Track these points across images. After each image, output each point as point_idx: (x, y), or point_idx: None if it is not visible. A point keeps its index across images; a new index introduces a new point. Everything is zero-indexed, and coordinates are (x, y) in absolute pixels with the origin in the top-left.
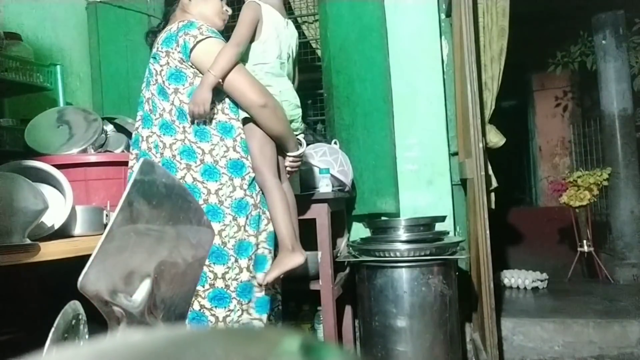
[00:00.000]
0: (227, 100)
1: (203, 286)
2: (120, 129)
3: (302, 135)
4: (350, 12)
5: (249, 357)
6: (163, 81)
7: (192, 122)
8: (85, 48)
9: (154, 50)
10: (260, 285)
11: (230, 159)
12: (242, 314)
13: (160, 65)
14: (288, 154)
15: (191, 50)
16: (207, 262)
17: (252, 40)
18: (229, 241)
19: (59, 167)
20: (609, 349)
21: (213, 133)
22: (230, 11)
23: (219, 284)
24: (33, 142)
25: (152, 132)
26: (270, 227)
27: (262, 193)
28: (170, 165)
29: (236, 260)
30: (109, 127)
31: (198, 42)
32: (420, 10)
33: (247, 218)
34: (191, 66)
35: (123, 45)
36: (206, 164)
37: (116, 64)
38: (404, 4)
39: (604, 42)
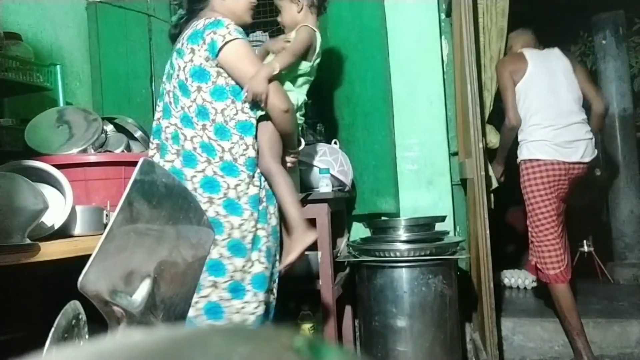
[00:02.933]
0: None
1: (223, 277)
2: (120, 129)
3: (312, 133)
4: (350, 12)
5: (250, 357)
6: (186, 77)
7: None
8: (85, 48)
9: (178, 45)
10: (280, 271)
11: (248, 157)
12: (257, 305)
13: (184, 62)
14: (290, 150)
15: (219, 49)
16: (227, 255)
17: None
18: (247, 235)
19: (59, 167)
20: (609, 349)
21: (233, 132)
22: (255, 2)
23: (237, 276)
24: (33, 142)
25: (170, 123)
26: (274, 222)
27: (268, 187)
28: (192, 157)
29: (251, 254)
30: (109, 127)
31: (227, 43)
32: (420, 10)
33: (259, 212)
34: (216, 65)
35: (123, 45)
36: (225, 161)
37: (116, 64)
38: (404, 4)
39: (604, 42)
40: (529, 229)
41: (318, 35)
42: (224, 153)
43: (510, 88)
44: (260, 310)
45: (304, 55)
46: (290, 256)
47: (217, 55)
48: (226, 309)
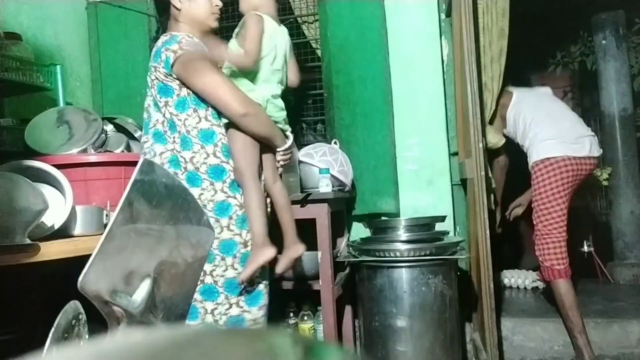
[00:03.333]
0: (210, 107)
1: None
2: (120, 129)
3: (289, 129)
4: (350, 12)
5: (249, 357)
6: (155, 94)
7: (179, 132)
8: (85, 48)
9: (150, 63)
10: (241, 282)
11: (210, 165)
12: (230, 307)
13: (151, 80)
14: (277, 149)
15: (172, 65)
16: None
17: None
18: (212, 242)
19: (59, 167)
20: (609, 349)
21: (194, 141)
22: (220, 4)
23: (208, 280)
24: (33, 142)
25: (147, 138)
26: None
27: None
28: None
29: (222, 259)
30: (109, 127)
31: (177, 58)
32: (420, 10)
33: (230, 218)
34: (176, 79)
35: (123, 45)
36: (189, 172)
37: (116, 64)
38: (404, 4)
39: (604, 42)
40: (537, 224)
41: (268, 20)
42: (187, 164)
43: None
44: (234, 312)
45: None
46: (245, 272)
47: (171, 71)
48: (200, 310)
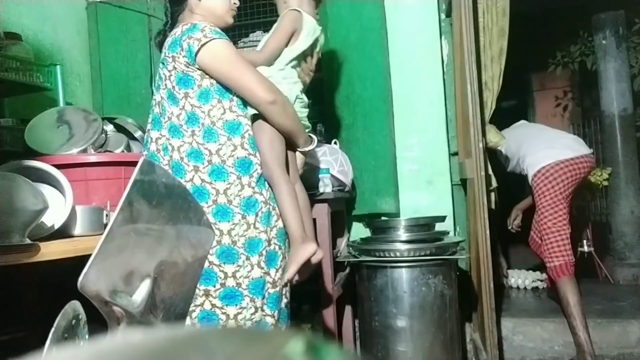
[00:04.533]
0: (235, 98)
1: (214, 286)
2: (120, 129)
3: (310, 127)
4: (350, 12)
5: (251, 358)
6: (173, 86)
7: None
8: (85, 48)
9: (162, 55)
10: (273, 283)
11: (237, 158)
12: (255, 311)
13: (169, 71)
14: (299, 149)
15: (196, 53)
16: (217, 262)
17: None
18: (238, 240)
19: (59, 167)
20: (609, 349)
21: (220, 133)
22: (238, 3)
23: (230, 282)
24: (33, 142)
25: (161, 134)
26: (280, 224)
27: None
28: (179, 167)
29: (247, 258)
30: (109, 127)
31: (203, 45)
32: (420, 10)
33: (256, 215)
34: (198, 69)
35: (123, 45)
36: (214, 165)
37: (116, 64)
38: (404, 4)
39: (604, 42)
40: (543, 230)
41: (307, 18)
42: (211, 156)
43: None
44: (258, 316)
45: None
46: (289, 272)
47: (195, 60)
48: (221, 317)
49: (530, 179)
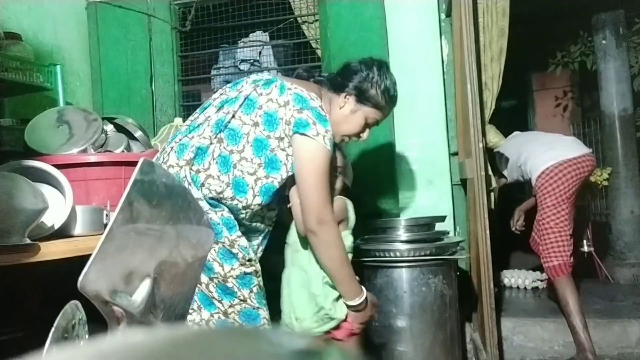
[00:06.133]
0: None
1: None
2: (120, 129)
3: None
4: (350, 12)
5: (250, 358)
6: (258, 122)
7: None
8: (85, 48)
9: (256, 78)
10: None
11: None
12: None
13: (260, 105)
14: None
15: (299, 133)
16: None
17: None
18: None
19: (59, 167)
20: (609, 349)
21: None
22: (365, 138)
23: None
24: (33, 142)
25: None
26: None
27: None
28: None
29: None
30: (109, 127)
31: (314, 137)
32: (420, 10)
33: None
34: (288, 143)
35: (123, 45)
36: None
37: (116, 64)
38: (404, 4)
39: (604, 42)
40: (544, 230)
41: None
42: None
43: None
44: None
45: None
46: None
47: (293, 133)
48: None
49: (534, 181)
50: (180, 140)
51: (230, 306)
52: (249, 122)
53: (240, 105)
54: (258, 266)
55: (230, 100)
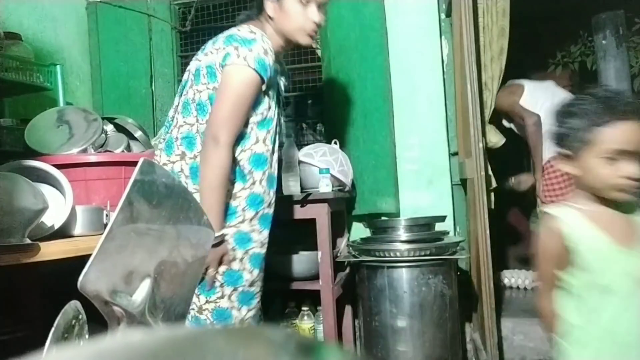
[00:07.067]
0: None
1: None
2: (120, 129)
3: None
4: (350, 12)
5: (250, 358)
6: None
7: None
8: (85, 48)
9: (209, 46)
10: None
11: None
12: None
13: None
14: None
15: (223, 65)
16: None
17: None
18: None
19: (59, 167)
20: None
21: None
22: (318, 21)
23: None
24: (33, 142)
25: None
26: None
27: None
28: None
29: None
30: (109, 127)
31: (231, 65)
32: (420, 10)
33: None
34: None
35: (123, 45)
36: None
37: (116, 64)
38: (404, 4)
39: (604, 42)
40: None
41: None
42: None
43: (515, 102)
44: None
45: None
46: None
47: (221, 67)
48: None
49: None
50: (165, 139)
51: (206, 302)
52: (202, 89)
53: (192, 80)
54: (248, 264)
55: (185, 82)
